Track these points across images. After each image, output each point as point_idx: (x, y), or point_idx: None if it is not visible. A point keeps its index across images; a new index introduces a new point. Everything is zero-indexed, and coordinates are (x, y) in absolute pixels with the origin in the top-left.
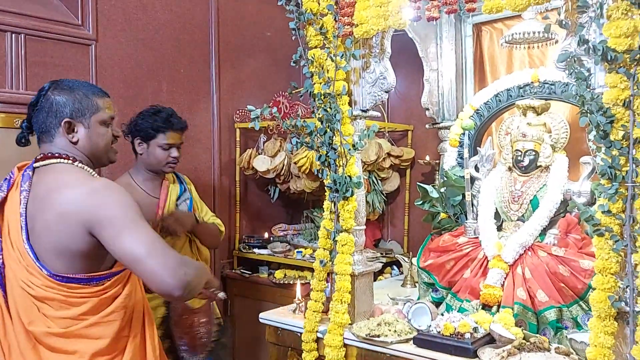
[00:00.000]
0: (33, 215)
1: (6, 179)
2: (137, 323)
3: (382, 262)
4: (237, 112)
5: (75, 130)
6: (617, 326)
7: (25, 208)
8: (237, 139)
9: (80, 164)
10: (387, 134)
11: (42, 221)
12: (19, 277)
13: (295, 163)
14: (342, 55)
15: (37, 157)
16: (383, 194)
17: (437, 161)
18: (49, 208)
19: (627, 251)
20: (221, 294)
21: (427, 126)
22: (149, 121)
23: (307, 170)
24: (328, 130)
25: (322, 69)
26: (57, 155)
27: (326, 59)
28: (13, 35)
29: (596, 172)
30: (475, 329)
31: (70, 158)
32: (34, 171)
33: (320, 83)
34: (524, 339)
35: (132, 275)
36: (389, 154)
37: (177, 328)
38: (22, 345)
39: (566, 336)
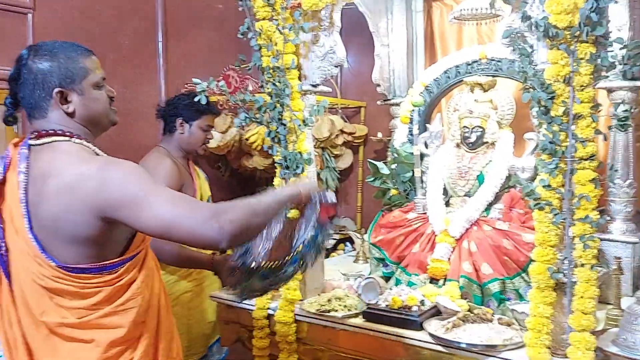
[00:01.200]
0: (34, 202)
1: (2, 157)
2: (155, 309)
3: (335, 239)
4: (186, 85)
5: (69, 99)
6: (555, 296)
7: (25, 193)
8: None
9: (78, 140)
10: (340, 111)
11: (45, 209)
12: (28, 268)
13: (246, 139)
14: (291, 27)
15: (31, 134)
16: (336, 171)
17: (389, 138)
18: (51, 195)
19: (566, 224)
20: (329, 197)
21: (378, 103)
22: (193, 103)
23: (259, 147)
24: (277, 105)
25: (271, 41)
26: (52, 132)
27: (274, 32)
28: None
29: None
30: (422, 302)
31: (67, 134)
32: (30, 149)
33: (269, 56)
34: (468, 310)
35: (148, 258)
36: (341, 131)
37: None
38: (31, 337)
39: (509, 307)
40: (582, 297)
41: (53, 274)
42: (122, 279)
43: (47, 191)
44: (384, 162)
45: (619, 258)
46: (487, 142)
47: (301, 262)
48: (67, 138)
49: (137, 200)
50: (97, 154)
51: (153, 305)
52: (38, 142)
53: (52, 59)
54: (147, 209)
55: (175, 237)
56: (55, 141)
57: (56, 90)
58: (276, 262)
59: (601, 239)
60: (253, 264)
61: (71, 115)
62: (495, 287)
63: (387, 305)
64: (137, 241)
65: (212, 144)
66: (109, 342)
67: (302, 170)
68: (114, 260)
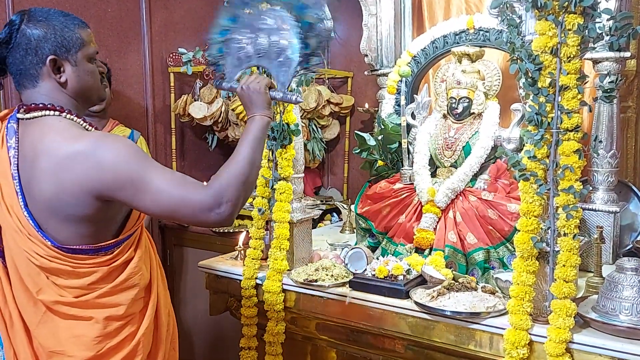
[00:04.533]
0: (27, 180)
1: None
2: (154, 285)
3: (322, 210)
4: (171, 55)
5: (62, 69)
6: (538, 265)
7: (17, 169)
8: (172, 84)
9: (69, 115)
10: (327, 81)
11: (39, 188)
12: (21, 246)
13: (233, 110)
14: None
15: (20, 107)
16: (323, 142)
17: (376, 109)
18: (44, 174)
19: (550, 194)
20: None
21: (365, 73)
22: None
23: (246, 117)
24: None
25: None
26: (42, 106)
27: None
28: None
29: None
30: (408, 271)
31: (58, 108)
32: (19, 123)
33: None
34: (453, 279)
35: (143, 237)
36: (328, 101)
37: None
38: (27, 314)
39: (492, 276)
40: (564, 265)
41: (48, 254)
42: (117, 260)
43: (39, 170)
44: (370, 133)
45: (601, 227)
46: (474, 113)
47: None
48: (57, 113)
49: (135, 182)
50: (87, 130)
51: (152, 281)
52: (27, 115)
53: (48, 26)
54: (147, 191)
55: (177, 220)
56: (45, 115)
57: (50, 57)
58: None
59: (584, 209)
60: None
61: (63, 85)
62: (479, 256)
63: (373, 275)
64: (133, 220)
65: (198, 114)
66: (107, 319)
67: (290, 141)
68: (109, 241)
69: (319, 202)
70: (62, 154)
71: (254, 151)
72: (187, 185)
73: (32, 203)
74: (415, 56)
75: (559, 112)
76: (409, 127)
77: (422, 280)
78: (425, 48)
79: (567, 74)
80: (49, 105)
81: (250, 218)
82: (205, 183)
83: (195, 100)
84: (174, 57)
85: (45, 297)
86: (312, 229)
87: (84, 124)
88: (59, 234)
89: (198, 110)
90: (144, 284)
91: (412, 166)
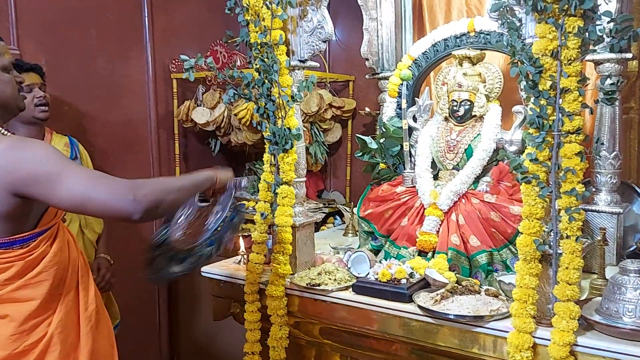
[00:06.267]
0: None
1: None
2: (72, 279)
3: (324, 213)
4: (173, 61)
5: None
6: (541, 268)
7: None
8: (174, 90)
9: None
10: (328, 85)
11: None
12: None
13: (235, 115)
14: (279, 2)
15: None
16: (325, 145)
17: (378, 112)
18: None
19: (552, 197)
20: (242, 182)
21: (367, 76)
22: None
23: (248, 123)
24: (266, 81)
25: (258, 17)
26: None
27: (262, 7)
28: None
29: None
30: (411, 275)
31: None
32: None
33: (257, 32)
34: (456, 282)
35: (61, 232)
36: (330, 105)
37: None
38: None
39: (496, 278)
40: (567, 268)
41: None
42: (33, 253)
43: None
44: (372, 136)
45: (604, 229)
46: (475, 116)
47: (218, 244)
48: None
49: (51, 177)
50: (4, 135)
51: (70, 276)
52: None
53: None
54: (61, 184)
55: (90, 210)
56: None
57: None
58: (191, 244)
59: (586, 210)
60: (169, 246)
61: None
62: (482, 259)
63: (376, 278)
64: (50, 215)
65: (201, 120)
66: (23, 316)
67: (292, 146)
68: (25, 234)
69: (321, 205)
70: None
71: (190, 183)
72: (106, 176)
73: None
74: (416, 59)
75: (560, 115)
76: (410, 130)
77: (425, 284)
78: (426, 51)
79: (568, 76)
80: None
81: (252, 222)
82: None
83: (197, 106)
84: (176, 63)
85: None
86: (315, 232)
87: (3, 130)
88: None
89: (201, 116)
90: (59, 278)
91: (414, 169)
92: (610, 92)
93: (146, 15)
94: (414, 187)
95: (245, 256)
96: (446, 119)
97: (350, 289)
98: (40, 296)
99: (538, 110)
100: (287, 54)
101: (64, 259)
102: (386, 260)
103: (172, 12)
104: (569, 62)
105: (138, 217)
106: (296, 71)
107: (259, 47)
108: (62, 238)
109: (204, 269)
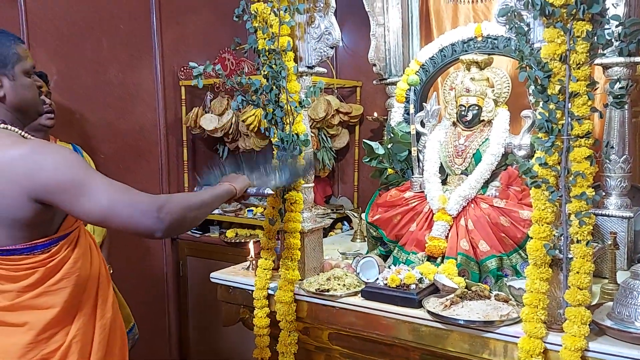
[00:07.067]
0: None
1: None
2: (92, 287)
3: (332, 218)
4: (182, 69)
5: (1, 84)
6: (551, 273)
7: None
8: (183, 97)
9: (3, 125)
10: (336, 91)
11: None
12: None
13: (243, 121)
14: (286, 9)
15: None
16: (333, 151)
17: (385, 117)
18: None
19: (562, 201)
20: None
21: (374, 82)
22: None
23: (256, 129)
24: (274, 87)
25: (266, 24)
26: None
27: (270, 14)
28: None
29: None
30: (420, 280)
31: None
32: None
33: (265, 39)
34: (466, 287)
35: (82, 237)
36: (337, 111)
37: None
38: None
39: (506, 283)
40: (577, 272)
41: None
42: (55, 259)
43: None
44: (380, 142)
45: (615, 233)
46: (483, 121)
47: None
48: None
49: (75, 185)
50: (26, 138)
51: (91, 284)
52: None
53: None
54: (86, 195)
55: (114, 224)
56: None
57: None
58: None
59: (597, 214)
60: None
61: (2, 100)
62: (492, 264)
63: (385, 284)
64: (71, 219)
65: (209, 126)
66: (42, 324)
67: (300, 152)
68: (44, 239)
69: (329, 211)
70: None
71: (211, 198)
72: (129, 189)
73: None
74: (423, 65)
75: (569, 119)
76: (418, 135)
77: (434, 289)
78: (433, 56)
79: (577, 80)
80: None
81: (260, 228)
82: None
83: (206, 113)
84: (185, 70)
85: None
86: (323, 237)
87: (23, 133)
88: None
89: (209, 122)
90: (81, 286)
91: (422, 174)
92: (619, 96)
93: (156, 24)
94: (423, 192)
95: (254, 262)
96: (454, 124)
97: (359, 295)
98: (61, 304)
99: (547, 114)
100: (295, 60)
101: (85, 267)
102: (395, 265)
103: (182, 21)
104: (578, 66)
105: (160, 235)
106: (304, 77)
107: (267, 53)
108: (84, 243)
109: (213, 274)
